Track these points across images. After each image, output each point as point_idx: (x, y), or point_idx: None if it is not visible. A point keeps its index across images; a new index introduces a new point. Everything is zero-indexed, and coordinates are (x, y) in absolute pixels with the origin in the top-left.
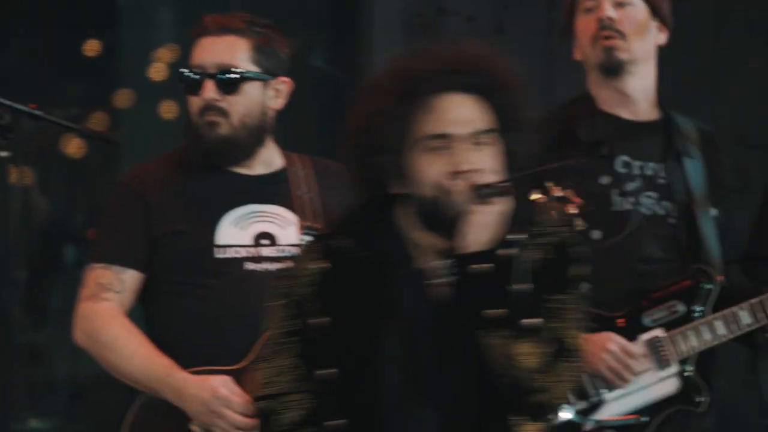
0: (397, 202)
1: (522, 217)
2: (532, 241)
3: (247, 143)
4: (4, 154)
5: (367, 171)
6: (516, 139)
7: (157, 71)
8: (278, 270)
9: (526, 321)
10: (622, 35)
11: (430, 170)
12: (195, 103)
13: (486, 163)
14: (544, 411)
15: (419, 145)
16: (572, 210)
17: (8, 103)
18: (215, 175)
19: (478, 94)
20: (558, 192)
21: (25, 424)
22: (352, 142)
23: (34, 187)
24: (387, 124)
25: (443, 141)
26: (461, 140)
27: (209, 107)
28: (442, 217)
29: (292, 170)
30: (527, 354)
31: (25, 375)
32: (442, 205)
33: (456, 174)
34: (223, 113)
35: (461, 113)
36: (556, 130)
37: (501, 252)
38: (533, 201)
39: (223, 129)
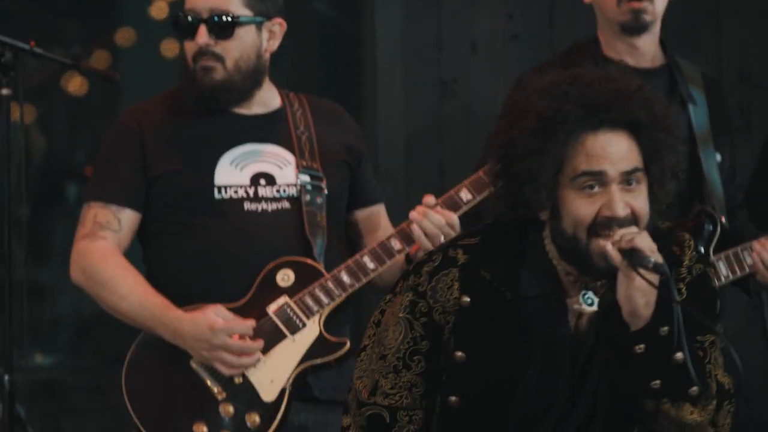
0: (542, 228)
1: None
2: (678, 282)
3: (242, 86)
4: (5, 91)
5: (514, 196)
6: (661, 180)
7: (159, 10)
8: (412, 289)
9: (690, 390)
10: None
11: (582, 210)
12: (190, 47)
13: (638, 205)
14: None
15: (571, 182)
16: None
17: (9, 40)
18: (213, 116)
19: (629, 131)
20: None
21: (31, 360)
22: (499, 163)
23: (34, 125)
24: (537, 158)
25: (596, 179)
26: (614, 179)
27: (203, 52)
28: (590, 262)
29: (290, 110)
30: (695, 413)
31: (28, 312)
32: (591, 251)
33: (610, 219)
34: (218, 58)
35: (614, 150)
36: None
37: (663, 330)
38: (673, 244)
39: (218, 74)
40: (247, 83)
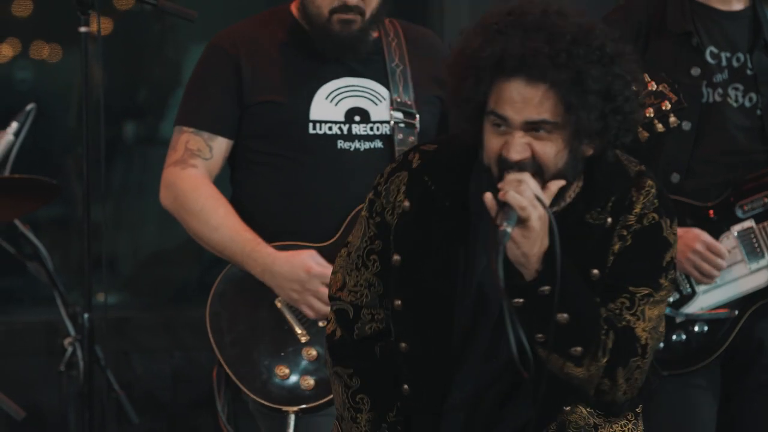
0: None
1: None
2: (622, 229)
3: (371, 32)
4: (84, 29)
5: (457, 112)
6: (578, 136)
7: None
8: (374, 188)
9: (573, 350)
10: None
11: (490, 143)
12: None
13: (543, 152)
14: (617, 409)
15: (486, 116)
16: (667, 106)
17: None
18: (309, 43)
19: (549, 85)
20: (653, 86)
21: (93, 299)
22: (449, 79)
23: (95, 61)
24: (465, 90)
25: (501, 121)
26: (517, 126)
27: (349, 8)
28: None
29: (386, 40)
30: (578, 371)
31: (87, 251)
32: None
33: (505, 160)
34: (360, 12)
35: (523, 100)
36: (644, 18)
37: (544, 289)
38: (633, 188)
39: (357, 25)
40: (373, 27)
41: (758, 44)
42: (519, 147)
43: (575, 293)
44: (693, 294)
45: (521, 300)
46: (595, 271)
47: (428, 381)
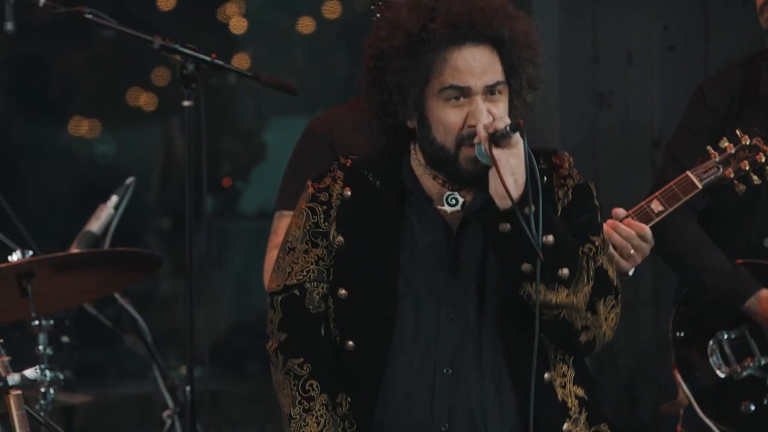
0: (413, 141)
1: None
2: (559, 185)
3: None
4: (187, 103)
5: (384, 107)
6: (520, 92)
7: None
8: (315, 179)
9: (559, 272)
10: None
11: (448, 120)
12: None
13: (498, 114)
14: (591, 348)
15: (438, 93)
16: (762, 159)
17: (191, 53)
18: None
19: (491, 47)
20: (746, 141)
21: (175, 371)
22: (370, 76)
23: (177, 135)
24: (405, 72)
25: (461, 92)
26: (478, 92)
27: None
28: (458, 169)
29: None
30: (567, 297)
31: (190, 324)
32: (459, 159)
33: (475, 128)
34: None
35: (479, 65)
36: (738, 85)
37: (527, 210)
38: (553, 156)
39: None
40: None
41: None
42: (486, 113)
43: (554, 217)
44: None
45: (508, 225)
46: (529, 208)
47: (366, 374)
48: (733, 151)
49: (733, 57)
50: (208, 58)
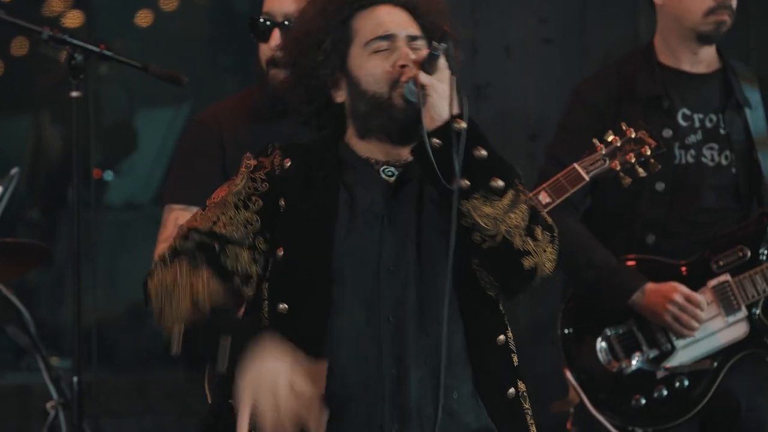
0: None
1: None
2: None
3: None
4: (75, 94)
5: (310, 79)
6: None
7: None
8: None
9: (493, 183)
10: (732, 13)
11: (379, 67)
12: (264, 51)
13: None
14: (533, 275)
15: (363, 49)
16: (647, 151)
17: (80, 43)
18: (285, 118)
19: (407, 11)
20: (632, 134)
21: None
22: (295, 52)
23: (47, 126)
24: (330, 41)
25: (387, 42)
26: (402, 40)
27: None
28: (393, 114)
29: None
30: (504, 212)
31: (78, 315)
32: (393, 102)
33: (404, 67)
34: None
35: (398, 19)
36: (614, 85)
37: (458, 125)
38: None
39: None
40: None
41: (730, 104)
42: (413, 53)
43: (485, 134)
44: (672, 349)
45: (439, 141)
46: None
47: (308, 332)
48: (619, 144)
49: (609, 50)
50: (97, 49)
